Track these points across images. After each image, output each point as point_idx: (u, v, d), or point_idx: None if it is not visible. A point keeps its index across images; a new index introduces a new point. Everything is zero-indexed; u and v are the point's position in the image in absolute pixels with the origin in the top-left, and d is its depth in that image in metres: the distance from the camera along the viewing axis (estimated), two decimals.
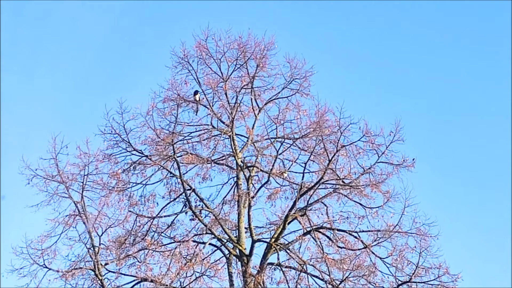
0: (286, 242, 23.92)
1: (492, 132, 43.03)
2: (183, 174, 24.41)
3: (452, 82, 46.35)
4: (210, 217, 24.67)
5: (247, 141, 25.05)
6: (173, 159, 24.03)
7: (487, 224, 39.87)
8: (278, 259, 23.51)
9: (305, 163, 24.07)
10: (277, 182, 24.96)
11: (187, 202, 24.25)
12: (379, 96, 44.62)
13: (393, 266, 23.22)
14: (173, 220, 24.50)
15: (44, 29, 46.89)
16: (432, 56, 47.12)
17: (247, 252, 23.91)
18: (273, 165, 24.35)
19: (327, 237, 23.95)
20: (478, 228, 40.22)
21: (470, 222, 40.36)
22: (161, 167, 24.18)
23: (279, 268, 23.66)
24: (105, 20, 47.40)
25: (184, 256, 23.74)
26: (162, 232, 24.31)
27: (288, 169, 24.91)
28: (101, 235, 23.85)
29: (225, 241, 24.21)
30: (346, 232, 23.80)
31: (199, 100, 25.03)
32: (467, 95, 46.39)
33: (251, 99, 25.41)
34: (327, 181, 23.72)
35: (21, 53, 44.31)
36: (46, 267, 23.39)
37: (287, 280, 23.59)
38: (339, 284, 22.89)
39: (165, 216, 24.38)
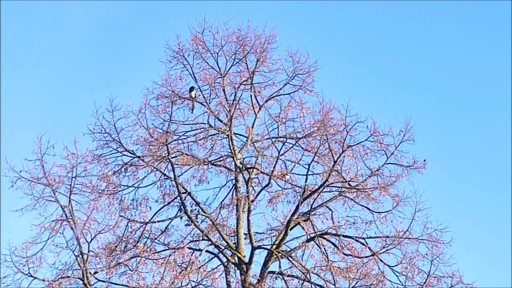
0: (288, 249, 23.67)
1: (509, 132, 42.21)
2: (178, 176, 24.18)
3: (465, 80, 46.25)
4: (207, 222, 24.44)
5: (247, 141, 24.76)
6: (167, 160, 23.79)
7: (503, 229, 38.96)
8: (280, 267, 23.26)
9: (309, 165, 23.75)
10: (278, 185, 24.66)
11: (182, 206, 23.88)
12: (388, 94, 44.92)
13: (403, 275, 22.90)
14: (167, 225, 24.20)
15: (30, 22, 46.52)
16: (445, 53, 46.98)
17: (246, 259, 23.66)
18: (274, 167, 24.02)
19: (332, 243, 23.59)
20: (494, 233, 40.04)
21: (485, 227, 40.33)
22: (155, 169, 23.90)
23: (280, 277, 23.46)
24: (95, 12, 47.16)
25: (179, 264, 23.47)
26: (155, 239, 24.04)
27: (291, 170, 24.78)
28: (90, 241, 23.67)
29: (223, 248, 23.99)
30: (353, 239, 23.46)
31: (195, 97, 24.80)
32: (481, 94, 46.22)
33: (251, 96, 25.14)
34: (332, 183, 23.46)
35: (5, 47, 43.32)
36: (31, 276, 23.17)
37: None
38: None
39: (158, 221, 24.12)
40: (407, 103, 43.22)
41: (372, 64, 46.67)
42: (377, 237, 23.28)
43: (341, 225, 23.68)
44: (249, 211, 23.77)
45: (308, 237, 23.21)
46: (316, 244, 23.33)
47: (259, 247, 23.64)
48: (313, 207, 23.47)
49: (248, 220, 23.70)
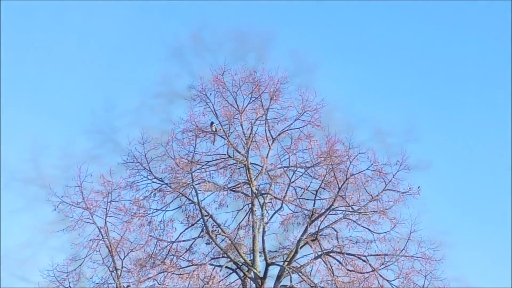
0: (299, 266, 24.56)
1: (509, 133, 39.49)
2: (201, 200, 25.23)
3: (467, 81, 44.27)
4: (226, 241, 25.29)
5: (262, 169, 25.55)
6: (192, 186, 24.94)
7: (503, 229, 36.49)
8: (291, 281, 24.24)
9: (316, 191, 24.93)
10: (289, 209, 25.53)
11: (204, 227, 25.01)
12: (391, 95, 42.86)
13: None
14: (191, 244, 25.29)
15: (28, 21, 43.27)
16: (452, 53, 44.91)
17: (261, 274, 24.65)
18: (286, 193, 25.07)
19: (337, 260, 24.64)
20: (494, 233, 38.37)
21: (485, 226, 38.74)
22: (180, 194, 25.05)
23: None
24: (93, 12, 43.30)
25: (202, 279, 24.36)
26: (180, 256, 24.97)
27: (300, 196, 25.49)
28: (123, 258, 24.65)
29: (241, 264, 24.92)
30: (355, 256, 24.55)
31: (216, 130, 25.68)
32: (483, 94, 44.04)
33: (265, 130, 25.94)
34: (337, 207, 24.57)
35: (4, 47, 39.95)
36: None
37: None
38: None
39: (183, 241, 25.19)
40: (409, 104, 41.51)
41: (374, 65, 44.67)
42: (377, 255, 24.31)
43: (345, 244, 24.61)
44: (263, 231, 24.69)
45: (316, 255, 24.24)
46: (323, 261, 24.31)
47: (272, 263, 24.52)
48: (320, 228, 24.51)
49: (263, 240, 24.59)
